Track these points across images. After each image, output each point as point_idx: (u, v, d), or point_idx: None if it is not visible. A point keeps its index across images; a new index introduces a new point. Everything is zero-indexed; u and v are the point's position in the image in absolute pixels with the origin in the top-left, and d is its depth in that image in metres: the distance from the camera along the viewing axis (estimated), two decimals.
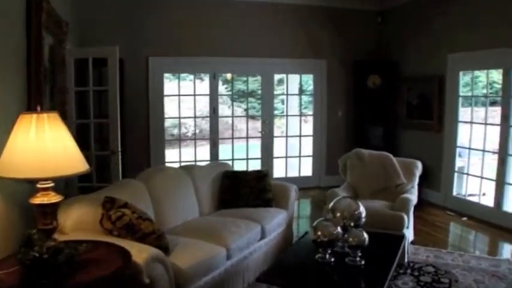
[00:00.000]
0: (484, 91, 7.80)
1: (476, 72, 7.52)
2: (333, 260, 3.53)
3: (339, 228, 3.56)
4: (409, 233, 5.19)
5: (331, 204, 3.90)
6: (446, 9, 7.39)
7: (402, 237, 4.46)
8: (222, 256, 3.86)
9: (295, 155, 8.87)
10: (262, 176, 5.33)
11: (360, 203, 3.86)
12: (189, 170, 5.14)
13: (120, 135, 5.62)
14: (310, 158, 8.92)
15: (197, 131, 12.13)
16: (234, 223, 4.38)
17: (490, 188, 6.99)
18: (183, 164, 7.27)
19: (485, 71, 7.33)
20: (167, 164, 7.77)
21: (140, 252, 2.92)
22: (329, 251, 3.54)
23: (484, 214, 6.88)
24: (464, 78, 7.52)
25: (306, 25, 8.46)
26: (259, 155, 8.54)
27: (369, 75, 8.63)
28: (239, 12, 8.03)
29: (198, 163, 7.46)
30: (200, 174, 5.16)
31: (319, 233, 3.49)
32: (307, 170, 8.89)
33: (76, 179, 5.30)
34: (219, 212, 5.00)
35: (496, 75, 7.58)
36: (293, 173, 8.79)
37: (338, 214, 3.76)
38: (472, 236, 6.49)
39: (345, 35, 8.72)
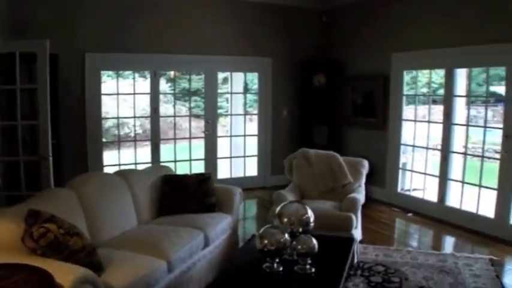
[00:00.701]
0: (427, 90, 7.94)
1: (420, 72, 7.64)
2: (281, 269, 3.39)
3: (286, 235, 3.42)
4: (357, 233, 5.15)
5: (278, 209, 3.76)
6: (390, 9, 7.45)
7: (352, 239, 4.40)
8: (163, 270, 3.59)
9: (240, 155, 8.71)
10: (205, 179, 5.09)
11: (307, 208, 3.72)
12: (125, 175, 4.75)
13: (55, 138, 5.26)
14: (255, 158, 8.79)
15: (140, 131, 11.82)
16: (174, 232, 4.12)
17: (433, 183, 7.10)
18: (122, 167, 6.98)
19: (428, 70, 7.46)
20: (106, 168, 7.40)
21: (66, 274, 2.61)
22: (277, 260, 3.40)
23: (428, 209, 7.04)
24: (407, 77, 7.61)
25: (251, 22, 8.29)
26: (203, 156, 8.32)
27: (314, 74, 8.59)
28: (182, 7, 7.70)
29: (139, 166, 7.22)
30: (138, 179, 4.82)
31: (265, 241, 3.33)
32: (252, 170, 8.77)
33: (1, 188, 4.91)
34: (159, 220, 4.69)
35: (439, 74, 7.72)
36: (238, 173, 8.63)
37: (285, 220, 3.61)
38: (418, 232, 6.57)
39: (290, 34, 8.64)
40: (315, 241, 3.43)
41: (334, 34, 8.80)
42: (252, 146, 8.79)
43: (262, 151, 8.74)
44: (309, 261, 3.41)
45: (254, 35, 8.34)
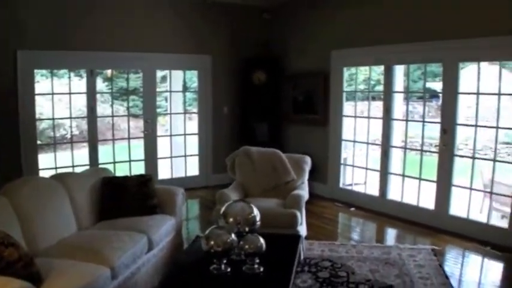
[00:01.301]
0: (366, 86, 8.07)
1: (359, 68, 7.75)
2: (229, 270, 3.28)
3: (233, 236, 3.32)
4: (302, 229, 5.13)
5: (223, 209, 3.66)
6: (330, 8, 7.56)
7: (298, 237, 4.36)
8: (106, 277, 3.41)
9: (180, 155, 8.53)
10: (146, 180, 4.90)
11: (253, 206, 3.64)
12: (62, 179, 4.49)
13: None
14: (197, 157, 8.65)
15: (77, 133, 11.41)
16: (116, 237, 3.92)
17: (374, 178, 7.21)
18: (59, 170, 6.66)
19: (368, 67, 7.57)
20: (42, 172, 7.03)
21: None
22: (224, 261, 3.30)
23: (370, 203, 7.16)
24: (347, 74, 7.71)
25: (190, 20, 8.14)
26: (142, 156, 8.09)
27: (255, 71, 8.55)
28: (118, 4, 7.42)
29: (76, 168, 6.96)
30: (76, 182, 4.57)
31: (212, 242, 3.23)
32: (193, 169, 8.62)
33: None
34: (100, 224, 4.48)
35: (376, 71, 7.85)
36: (179, 173, 8.46)
37: (231, 219, 3.52)
38: (361, 226, 6.67)
39: (230, 31, 8.57)
40: (262, 240, 3.34)
41: (275, 32, 8.80)
42: (193, 145, 8.66)
43: (203, 150, 8.62)
44: (257, 261, 3.32)
45: (193, 32, 8.20)
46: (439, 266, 4.91)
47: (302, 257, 4.90)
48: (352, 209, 7.19)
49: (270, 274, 3.30)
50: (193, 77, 9.08)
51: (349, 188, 7.71)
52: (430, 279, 4.56)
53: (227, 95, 8.70)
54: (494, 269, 5.18)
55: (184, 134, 8.58)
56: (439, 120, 6.40)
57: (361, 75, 8.65)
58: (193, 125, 8.96)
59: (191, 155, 8.63)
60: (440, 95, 6.66)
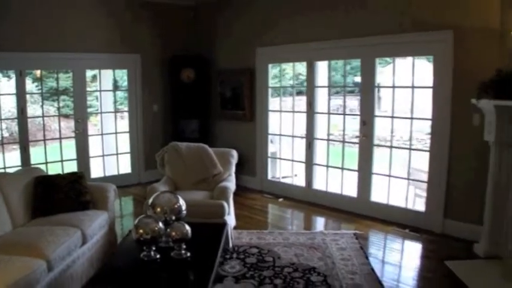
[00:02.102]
0: (291, 82, 8.39)
1: (283, 65, 8.04)
2: (158, 256, 3.48)
3: (160, 224, 3.51)
4: (231, 219, 5.36)
5: (151, 200, 3.83)
6: (255, 6, 7.81)
7: (224, 224, 4.57)
8: (43, 269, 3.52)
9: (112, 153, 8.54)
10: (77, 178, 4.99)
11: (179, 197, 3.85)
12: None
13: None
14: (128, 155, 8.69)
15: (7, 134, 11.10)
16: (51, 231, 4.01)
17: (301, 169, 7.54)
18: None
19: (291, 63, 7.88)
20: None
21: None
22: (154, 248, 3.48)
23: (298, 193, 7.50)
24: (272, 70, 7.99)
25: (119, 19, 8.14)
26: (74, 156, 8.04)
27: (183, 69, 8.65)
28: (48, 3, 7.32)
29: (8, 170, 6.83)
30: (9, 182, 4.60)
31: (141, 231, 3.41)
32: (125, 167, 8.66)
33: None
34: (35, 222, 4.52)
35: (299, 67, 8.17)
36: (112, 171, 8.47)
37: (158, 209, 3.70)
38: (289, 215, 6.96)
39: (159, 30, 8.63)
40: (188, 227, 3.55)
41: (203, 30, 8.94)
42: (124, 143, 8.68)
43: (135, 148, 8.66)
44: (184, 247, 3.52)
45: (122, 32, 8.21)
46: (360, 248, 5.29)
47: (231, 245, 5.14)
48: (281, 199, 7.49)
49: (196, 259, 3.52)
50: (123, 76, 9.08)
51: (278, 180, 8.01)
52: (350, 260, 4.91)
53: (157, 93, 8.77)
54: (413, 249, 5.62)
55: (116, 133, 8.58)
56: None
57: (286, 72, 8.97)
58: (124, 124, 8.98)
59: (123, 153, 8.65)
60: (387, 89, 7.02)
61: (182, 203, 3.77)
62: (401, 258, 5.32)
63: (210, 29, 8.80)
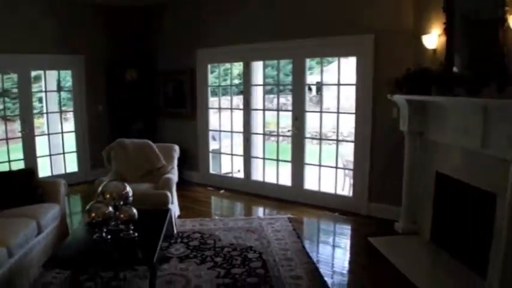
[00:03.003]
0: (229, 81, 8.93)
1: (222, 65, 8.57)
2: (109, 237, 3.90)
3: (110, 208, 3.94)
4: (175, 208, 5.84)
5: (100, 188, 4.25)
6: (195, 9, 8.29)
7: (167, 210, 5.04)
8: (3, 255, 3.85)
9: (59, 153, 8.76)
10: (29, 173, 5.33)
11: (126, 184, 4.28)
12: None
13: None
14: (75, 154, 8.92)
15: None
16: (9, 222, 4.35)
17: (240, 162, 8.09)
18: None
19: (229, 64, 8.42)
20: None
21: None
22: (105, 230, 3.90)
23: (238, 185, 8.05)
24: (212, 70, 8.48)
25: (63, 20, 8.30)
26: (21, 156, 8.19)
27: (127, 70, 8.97)
28: None
29: None
30: None
31: (93, 214, 3.83)
32: (72, 166, 8.89)
33: None
34: None
35: (237, 67, 8.70)
36: (59, 170, 8.66)
37: (108, 196, 4.12)
38: (230, 204, 7.49)
39: (103, 31, 8.84)
40: (135, 210, 4.01)
41: (146, 31, 9.25)
42: (71, 142, 8.90)
43: (81, 147, 8.88)
44: (132, 227, 3.97)
45: (67, 33, 8.35)
46: (293, 229, 5.88)
47: (175, 231, 5.61)
48: (222, 191, 8.01)
49: (143, 238, 3.96)
50: (67, 76, 9.20)
51: (219, 173, 8.54)
52: (284, 240, 5.49)
53: (101, 93, 8.99)
54: (340, 229, 6.26)
55: (62, 133, 8.78)
56: (316, 109, 7.38)
57: (226, 71, 9.48)
58: (70, 124, 9.17)
59: (69, 152, 8.86)
60: (313, 87, 7.62)
61: (129, 189, 4.21)
62: (330, 237, 5.98)
63: (154, 31, 9.14)
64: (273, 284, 4.30)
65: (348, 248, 5.63)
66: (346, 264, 5.12)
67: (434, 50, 5.30)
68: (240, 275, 4.48)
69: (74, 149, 8.91)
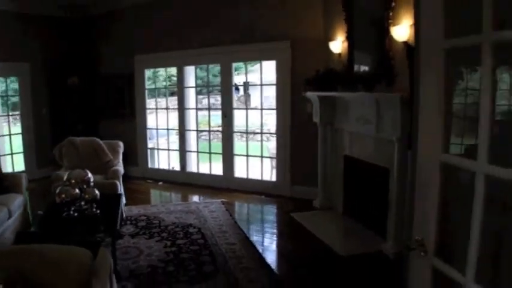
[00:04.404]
0: (164, 84, 9.78)
1: (158, 69, 9.40)
2: (76, 214, 4.71)
3: (77, 190, 4.74)
4: (122, 196, 6.62)
5: (66, 176, 5.02)
6: (133, 18, 9.04)
7: (120, 194, 5.88)
8: None
9: (6, 153, 9.17)
10: None
11: (87, 171, 5.09)
12: None
13: None
14: (22, 155, 9.38)
15: None
16: None
17: (176, 156, 8.95)
18: None
19: (165, 68, 9.27)
20: None
21: None
22: (72, 208, 4.70)
23: (174, 177, 8.88)
24: (148, 74, 9.31)
25: (7, 29, 8.65)
26: None
27: (70, 75, 9.52)
28: None
29: None
30: None
31: (63, 195, 4.62)
32: (19, 165, 9.33)
33: None
34: None
35: (173, 71, 9.55)
36: (6, 170, 9.04)
37: (73, 181, 4.91)
38: (169, 194, 8.33)
39: (46, 39, 9.27)
40: (97, 191, 4.82)
41: (88, 39, 9.81)
42: (18, 143, 9.36)
43: (28, 147, 9.34)
44: (95, 206, 4.78)
45: (13, 42, 8.75)
46: (226, 210, 6.87)
47: (124, 215, 6.42)
48: (160, 183, 8.86)
49: (105, 215, 4.79)
50: (13, 82, 9.62)
51: (157, 166, 9.36)
52: (218, 218, 6.46)
53: (45, 97, 9.50)
54: (267, 208, 7.32)
55: (10, 135, 9.19)
56: (245, 108, 8.34)
57: (161, 75, 10.31)
58: (17, 126, 9.62)
59: (17, 153, 9.31)
60: (241, 87, 8.59)
61: (90, 175, 5.03)
62: (258, 214, 7.04)
63: (96, 39, 9.76)
64: (212, 249, 5.26)
65: (274, 222, 6.69)
66: (273, 234, 6.18)
67: (340, 54, 6.45)
68: (183, 245, 5.40)
69: (21, 150, 9.38)
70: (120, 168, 6.85)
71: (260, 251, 5.29)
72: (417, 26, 2.01)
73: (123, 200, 6.85)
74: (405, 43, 4.82)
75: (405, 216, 4.33)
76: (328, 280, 4.60)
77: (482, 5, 1.51)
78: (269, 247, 5.66)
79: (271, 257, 5.27)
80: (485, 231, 1.59)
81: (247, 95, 14.19)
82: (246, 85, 10.91)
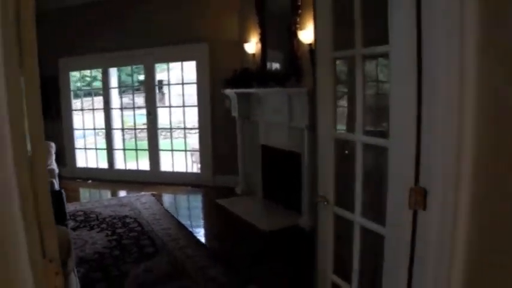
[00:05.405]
0: (90, 85, 10.14)
1: (83, 71, 9.75)
2: None
3: None
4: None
5: None
6: (58, 21, 9.23)
7: (61, 191, 6.27)
8: None
9: None
10: None
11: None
12: None
13: None
14: None
15: None
16: None
17: (104, 155, 9.36)
18: None
19: (89, 70, 9.62)
20: None
21: None
22: None
23: (103, 175, 9.29)
24: (74, 76, 9.61)
25: None
26: None
27: None
28: None
29: None
30: None
31: None
32: None
33: None
34: None
35: (98, 73, 9.92)
36: None
37: None
38: (99, 191, 8.74)
39: None
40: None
41: None
42: None
43: None
44: None
45: None
46: (156, 201, 7.45)
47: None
48: (89, 181, 9.23)
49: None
50: None
51: (85, 166, 9.70)
52: (151, 208, 7.04)
53: None
54: (193, 197, 7.97)
55: None
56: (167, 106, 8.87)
57: (87, 77, 10.62)
58: None
59: None
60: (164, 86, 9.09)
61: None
62: (186, 203, 7.69)
63: None
64: (150, 234, 5.84)
65: (201, 208, 7.37)
66: (202, 218, 6.89)
67: (254, 54, 7.19)
68: (123, 233, 5.95)
69: None
70: (55, 167, 7.22)
71: (193, 232, 5.94)
72: (315, 38, 2.76)
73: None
74: (310, 45, 5.62)
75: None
76: (255, 251, 5.33)
77: (355, 30, 2.26)
78: (200, 229, 6.35)
79: (203, 237, 5.93)
80: (365, 182, 2.36)
81: (161, 94, 14.75)
82: (161, 83, 11.39)
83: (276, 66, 6.84)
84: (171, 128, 9.07)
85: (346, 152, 2.74)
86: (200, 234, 6.04)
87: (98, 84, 10.06)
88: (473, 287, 1.78)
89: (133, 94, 9.75)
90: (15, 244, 1.39)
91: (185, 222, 6.41)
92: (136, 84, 10.30)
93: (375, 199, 2.45)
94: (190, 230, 6.04)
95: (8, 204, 1.37)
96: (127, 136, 9.62)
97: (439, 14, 1.71)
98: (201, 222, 6.74)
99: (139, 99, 10.10)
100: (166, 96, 8.80)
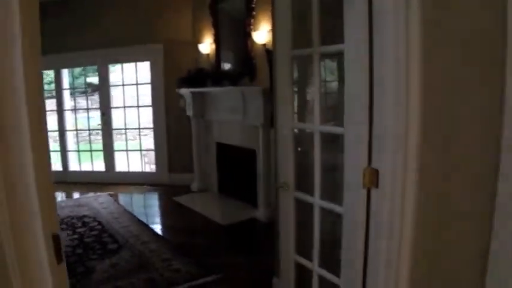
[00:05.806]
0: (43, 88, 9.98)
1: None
2: None
3: None
4: None
5: None
6: None
7: None
8: None
9: None
10: None
11: None
12: None
13: None
14: None
15: None
16: None
17: (57, 156, 9.31)
18: None
19: (42, 71, 9.47)
20: None
21: None
22: None
23: (57, 177, 9.16)
24: None
25: None
26: None
27: None
28: None
29: None
30: None
31: None
32: None
33: None
34: None
35: (51, 74, 9.82)
36: None
37: None
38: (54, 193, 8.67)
39: None
40: None
41: None
42: None
43: None
44: None
45: None
46: (114, 201, 7.53)
47: None
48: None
49: None
50: None
51: None
52: (109, 207, 7.13)
53: None
54: (150, 195, 8.09)
55: None
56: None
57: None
58: None
59: None
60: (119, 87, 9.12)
61: None
62: (143, 201, 7.78)
63: None
64: (110, 232, 5.95)
65: (159, 205, 7.53)
66: (160, 214, 7.06)
67: (208, 54, 7.39)
68: (84, 232, 6.04)
69: None
70: None
71: (153, 228, 6.09)
72: (274, 39, 3.01)
73: None
74: (264, 45, 5.87)
75: (273, 173, 5.38)
76: (214, 244, 5.53)
77: (312, 30, 2.51)
78: (159, 225, 6.50)
79: (163, 232, 6.08)
80: (323, 168, 2.62)
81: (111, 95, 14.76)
82: (119, 84, 11.40)
83: (229, 66, 7.06)
84: (125, 128, 9.13)
85: (299, 149, 3.00)
86: (160, 230, 6.19)
87: (50, 86, 9.96)
88: (420, 251, 2.06)
89: (86, 95, 9.74)
90: None
91: (144, 219, 6.55)
92: (89, 85, 10.28)
93: (331, 183, 2.72)
94: (150, 226, 6.19)
95: None
96: (81, 138, 9.60)
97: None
98: (160, 219, 6.91)
99: (93, 101, 10.11)
100: (121, 96, 8.81)
